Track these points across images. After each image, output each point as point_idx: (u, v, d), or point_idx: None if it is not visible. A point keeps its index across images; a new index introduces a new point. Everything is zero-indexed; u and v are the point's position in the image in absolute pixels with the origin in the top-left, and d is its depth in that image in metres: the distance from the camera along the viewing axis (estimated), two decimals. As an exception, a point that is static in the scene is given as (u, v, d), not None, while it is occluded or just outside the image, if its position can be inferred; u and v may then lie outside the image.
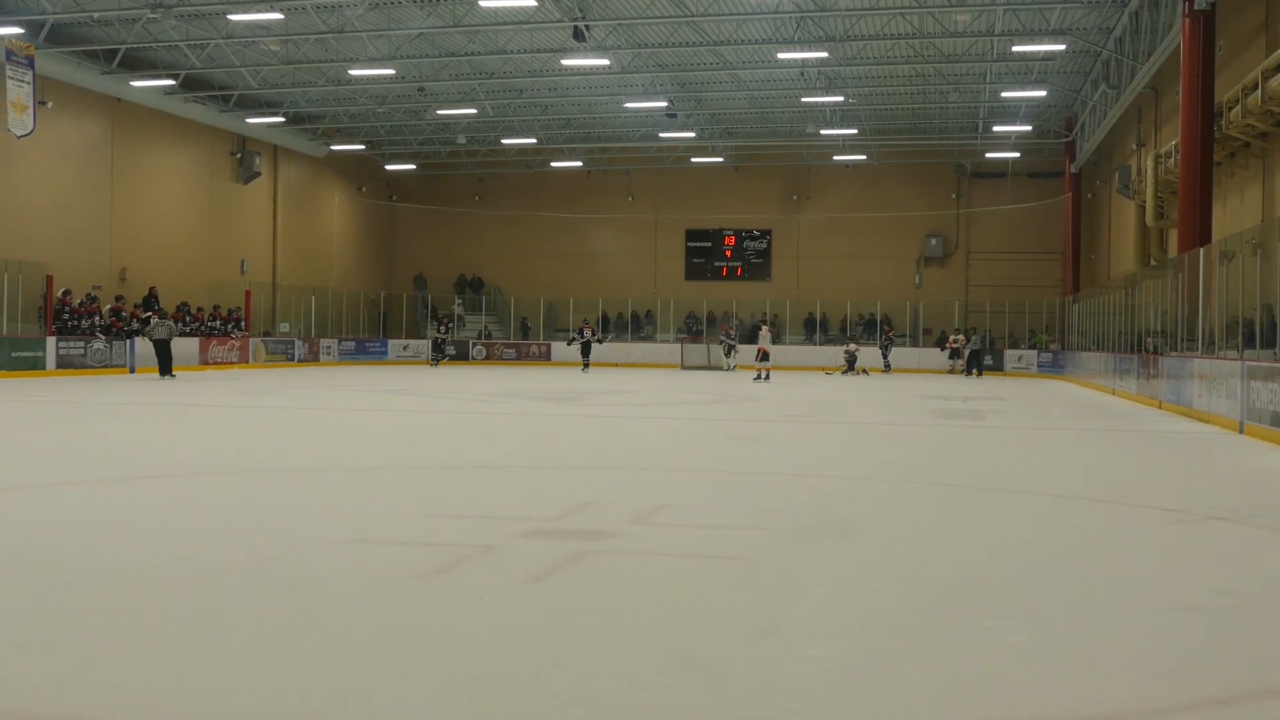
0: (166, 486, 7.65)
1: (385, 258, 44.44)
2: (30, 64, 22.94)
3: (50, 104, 26.24)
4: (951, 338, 35.05)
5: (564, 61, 27.72)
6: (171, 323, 24.91)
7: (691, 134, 36.28)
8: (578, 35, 24.38)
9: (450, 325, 38.49)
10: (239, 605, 4.30)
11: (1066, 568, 5.26)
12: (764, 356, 26.65)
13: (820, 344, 38.43)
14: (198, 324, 30.29)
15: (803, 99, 31.36)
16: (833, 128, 34.97)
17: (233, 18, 24.04)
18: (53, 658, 3.59)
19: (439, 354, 36.07)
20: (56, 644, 3.74)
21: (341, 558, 5.24)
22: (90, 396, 17.59)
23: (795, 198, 41.02)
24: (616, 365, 37.62)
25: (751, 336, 39.28)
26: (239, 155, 34.57)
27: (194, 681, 3.35)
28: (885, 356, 34.46)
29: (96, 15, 23.69)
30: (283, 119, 33.83)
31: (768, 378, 26.48)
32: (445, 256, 43.90)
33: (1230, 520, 6.77)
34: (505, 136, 37.42)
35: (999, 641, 4.00)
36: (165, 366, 23.86)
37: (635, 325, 41.34)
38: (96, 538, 5.70)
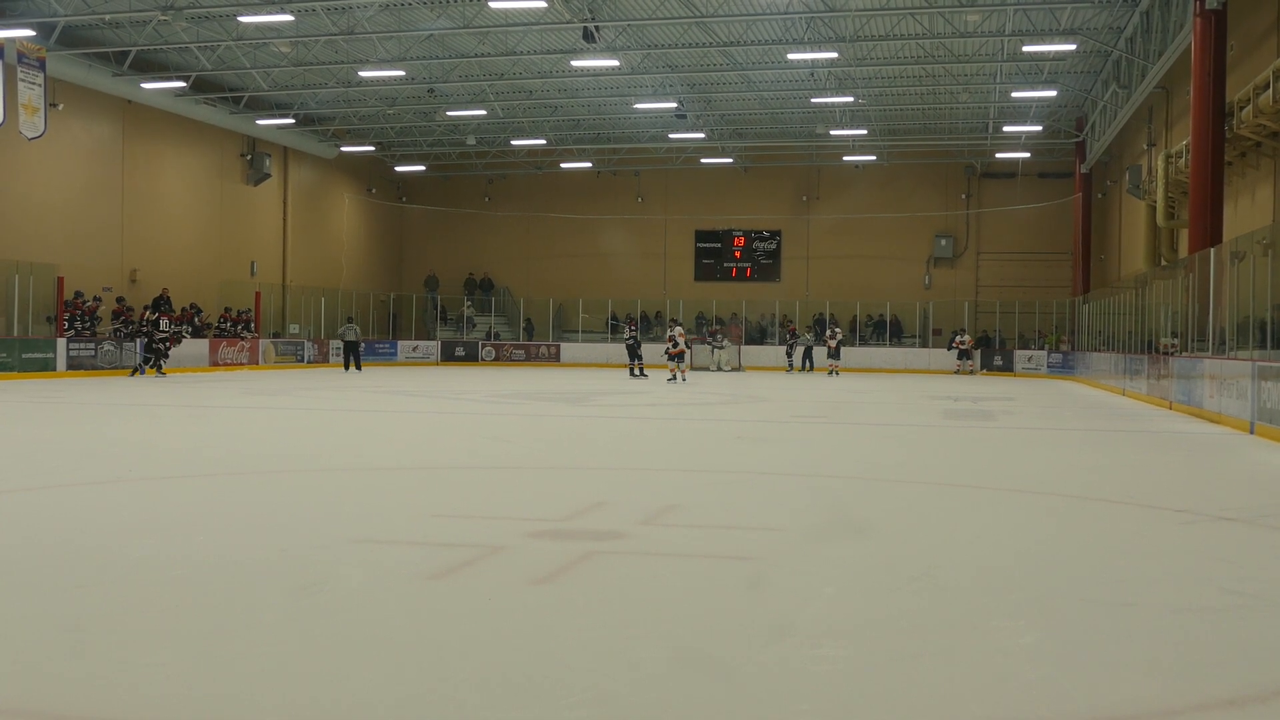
0: (188, 486, 7.69)
1: (395, 259, 44.49)
2: (41, 66, 23.05)
3: (61, 106, 26.37)
4: (958, 338, 35.02)
5: (574, 63, 27.75)
6: (357, 327, 31.39)
7: (701, 135, 36.26)
8: (587, 36, 24.38)
9: (637, 326, 30.12)
10: (259, 604, 4.36)
11: (1077, 568, 5.26)
12: (675, 357, 26.27)
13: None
14: (201, 326, 30.35)
15: (813, 100, 31.33)
16: (843, 128, 34.93)
17: (243, 19, 24.11)
18: (84, 658, 3.62)
19: (640, 359, 27.91)
20: (87, 644, 3.77)
21: (354, 557, 5.27)
22: (105, 397, 17.67)
23: (805, 198, 40.97)
24: (626, 366, 37.56)
25: (759, 338, 39.45)
26: (249, 157, 34.65)
27: (219, 683, 3.38)
28: (790, 356, 34.84)
29: (107, 17, 23.75)
30: (293, 120, 33.91)
31: (675, 379, 25.94)
32: (454, 258, 43.92)
33: (1241, 521, 6.74)
34: (515, 138, 37.46)
35: (1010, 641, 4.00)
36: (357, 363, 30.39)
37: (645, 326, 41.30)
38: (123, 537, 5.74)
